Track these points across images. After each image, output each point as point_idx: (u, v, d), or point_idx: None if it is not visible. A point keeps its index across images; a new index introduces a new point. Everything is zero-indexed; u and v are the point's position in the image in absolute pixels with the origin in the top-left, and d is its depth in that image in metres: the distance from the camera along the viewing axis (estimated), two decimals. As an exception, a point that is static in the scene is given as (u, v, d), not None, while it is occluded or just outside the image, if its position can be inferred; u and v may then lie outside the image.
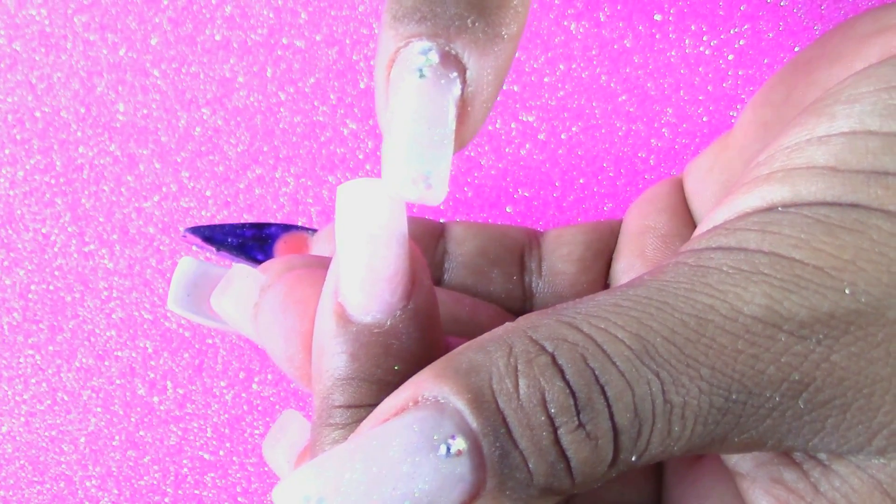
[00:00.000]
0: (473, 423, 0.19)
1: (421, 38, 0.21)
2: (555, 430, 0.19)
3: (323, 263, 0.26)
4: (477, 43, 0.21)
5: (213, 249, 0.33)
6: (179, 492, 0.36)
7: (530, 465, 0.19)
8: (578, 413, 0.19)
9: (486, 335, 0.21)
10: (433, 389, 0.20)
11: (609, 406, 0.19)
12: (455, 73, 0.21)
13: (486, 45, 0.21)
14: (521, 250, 0.32)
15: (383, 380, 0.22)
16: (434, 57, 0.21)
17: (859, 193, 0.20)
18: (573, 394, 0.19)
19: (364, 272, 0.22)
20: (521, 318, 0.21)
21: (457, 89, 0.22)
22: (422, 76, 0.21)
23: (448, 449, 0.19)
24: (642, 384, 0.19)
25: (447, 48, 0.21)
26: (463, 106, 0.22)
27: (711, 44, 0.38)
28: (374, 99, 0.23)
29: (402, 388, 0.20)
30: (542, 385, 0.19)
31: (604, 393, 0.19)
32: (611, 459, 0.20)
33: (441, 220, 0.33)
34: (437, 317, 0.23)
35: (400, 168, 0.21)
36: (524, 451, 0.19)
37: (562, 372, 0.19)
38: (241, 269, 0.26)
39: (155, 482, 0.36)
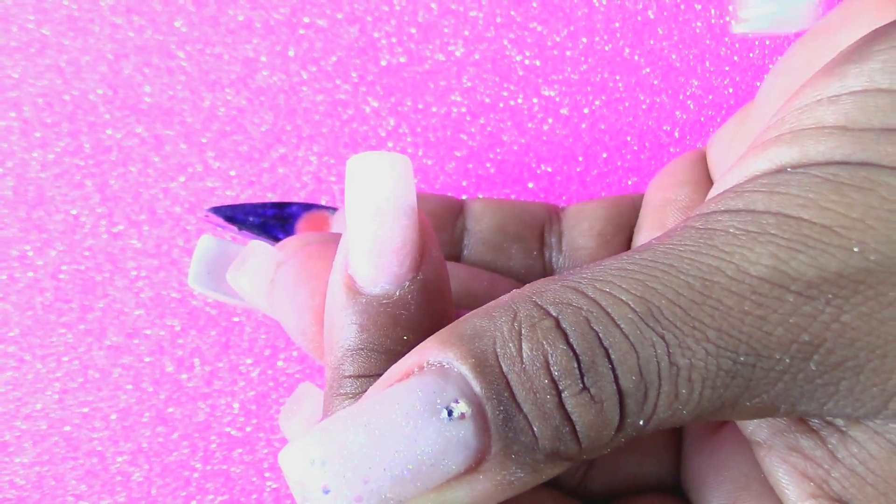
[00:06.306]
0: (477, 388, 0.19)
1: None
2: (559, 393, 0.19)
3: (338, 240, 0.26)
4: None
5: (235, 229, 0.34)
6: (208, 467, 0.36)
7: (535, 429, 0.19)
8: (582, 376, 0.19)
9: (493, 302, 0.21)
10: (438, 355, 0.20)
11: (613, 369, 0.19)
12: None
13: None
14: (540, 226, 0.32)
15: (392, 350, 0.22)
16: None
17: (869, 151, 0.19)
18: (576, 357, 0.19)
19: (372, 244, 0.22)
20: (527, 285, 0.21)
21: None
22: None
23: (450, 412, 0.19)
24: (647, 346, 0.19)
25: None
26: None
27: (737, 13, 0.37)
28: None
29: (408, 355, 0.20)
30: (545, 348, 0.19)
31: (608, 355, 0.19)
32: (617, 424, 0.19)
33: (463, 197, 0.33)
34: (446, 288, 0.23)
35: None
36: (528, 415, 0.19)
37: (565, 335, 0.19)
38: (257, 246, 0.27)
39: (184, 458, 0.37)
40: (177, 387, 0.37)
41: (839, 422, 0.21)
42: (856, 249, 0.19)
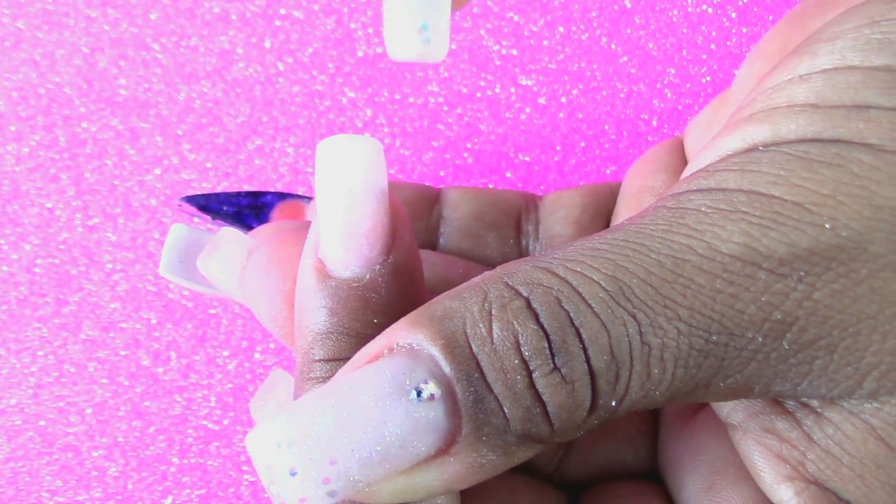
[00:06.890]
0: (447, 369, 0.19)
1: None
2: (529, 373, 0.19)
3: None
4: None
5: (209, 218, 0.33)
6: (185, 461, 0.36)
7: (506, 410, 0.19)
8: (553, 356, 0.19)
9: (464, 284, 0.21)
10: (408, 337, 0.20)
11: (584, 348, 0.19)
12: None
13: None
14: (517, 214, 0.32)
15: (362, 333, 0.22)
16: None
17: (840, 128, 0.19)
18: (547, 336, 0.19)
19: (342, 227, 0.21)
20: (499, 267, 0.21)
21: None
22: None
23: (419, 393, 0.19)
24: (618, 326, 0.19)
25: None
26: None
27: (714, 2, 0.37)
28: None
29: (378, 337, 0.20)
30: (515, 328, 0.19)
31: (579, 335, 0.19)
32: (589, 404, 0.19)
33: (441, 187, 0.33)
34: (418, 273, 0.23)
35: (398, 22, 0.22)
36: (499, 396, 0.19)
37: (536, 315, 0.19)
38: (228, 233, 0.26)
39: (160, 452, 0.36)
40: (153, 380, 0.37)
41: (814, 403, 0.21)
42: (827, 226, 0.19)
